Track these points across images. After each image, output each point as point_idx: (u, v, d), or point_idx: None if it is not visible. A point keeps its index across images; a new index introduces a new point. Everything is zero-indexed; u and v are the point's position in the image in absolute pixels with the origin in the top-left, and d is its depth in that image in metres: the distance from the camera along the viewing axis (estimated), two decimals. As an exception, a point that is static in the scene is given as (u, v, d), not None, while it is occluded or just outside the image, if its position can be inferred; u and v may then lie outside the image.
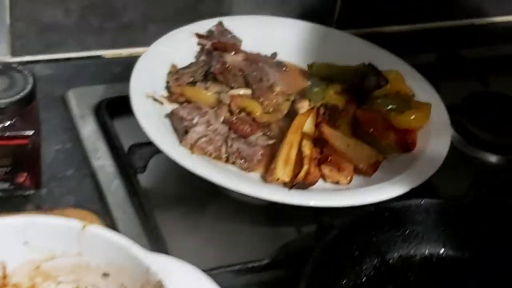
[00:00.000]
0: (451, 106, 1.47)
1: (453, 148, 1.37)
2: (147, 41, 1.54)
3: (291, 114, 1.33)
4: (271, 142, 1.28)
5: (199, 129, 1.21)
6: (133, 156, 1.27)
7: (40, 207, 1.21)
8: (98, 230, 0.91)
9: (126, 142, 1.32)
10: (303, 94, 1.37)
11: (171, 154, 1.17)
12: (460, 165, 1.42)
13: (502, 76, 1.69)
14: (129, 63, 1.42)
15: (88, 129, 1.37)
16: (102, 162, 1.31)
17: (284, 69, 1.45)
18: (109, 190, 1.26)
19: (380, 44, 1.61)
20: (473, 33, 1.91)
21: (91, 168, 1.30)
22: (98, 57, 1.59)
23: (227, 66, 1.30)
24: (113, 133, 1.34)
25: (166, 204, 1.28)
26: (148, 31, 1.59)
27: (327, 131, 1.23)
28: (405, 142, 1.30)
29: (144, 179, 1.28)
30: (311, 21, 1.65)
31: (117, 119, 1.40)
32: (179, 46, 1.43)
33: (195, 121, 1.22)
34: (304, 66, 1.48)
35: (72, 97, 1.45)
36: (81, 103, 1.44)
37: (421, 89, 1.43)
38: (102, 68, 1.56)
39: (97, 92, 1.46)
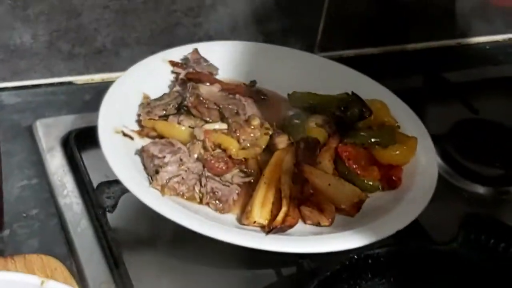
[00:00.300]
0: (438, 134, 1.40)
1: (440, 178, 1.30)
2: (120, 66, 1.48)
3: (270, 149, 1.25)
4: (248, 179, 1.21)
5: (171, 168, 1.14)
6: (102, 194, 1.19)
7: (1, 252, 1.13)
8: (57, 287, 0.88)
9: (96, 177, 1.24)
10: (282, 127, 1.29)
11: (140, 195, 1.10)
12: (448, 197, 1.36)
13: (490, 100, 1.62)
14: (101, 89, 1.36)
15: (56, 163, 1.29)
16: (69, 200, 1.23)
17: (262, 97, 1.37)
18: (76, 232, 1.18)
19: (363, 66, 1.55)
20: (458, 53, 1.84)
21: (58, 206, 1.23)
22: (69, 83, 1.51)
23: (201, 98, 1.22)
24: (81, 168, 1.27)
25: (136, 246, 1.21)
26: (121, 55, 1.52)
27: (307, 169, 1.16)
28: (390, 179, 1.24)
29: (113, 217, 1.20)
30: (293, 44, 1.58)
31: (88, 150, 1.33)
32: (152, 74, 1.36)
33: (166, 159, 1.15)
34: (284, 93, 1.39)
35: (40, 127, 1.37)
36: (49, 134, 1.36)
37: (407, 120, 1.36)
38: (72, 95, 1.49)
39: (66, 122, 1.39)
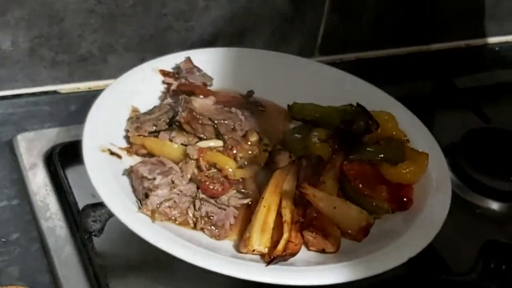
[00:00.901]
0: (448, 146, 1.30)
1: (452, 194, 1.20)
2: (108, 74, 1.40)
3: (270, 166, 1.15)
4: (246, 201, 1.11)
5: (162, 192, 1.05)
6: (88, 217, 1.09)
7: (-23, 284, 1.03)
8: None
9: (82, 196, 1.15)
10: (282, 143, 1.20)
11: (128, 222, 1.01)
12: (460, 214, 1.26)
13: (503, 106, 1.53)
14: (88, 98, 1.27)
15: (38, 182, 1.20)
16: (53, 223, 1.14)
17: (261, 109, 1.27)
18: (59, 258, 1.09)
19: (366, 71, 1.47)
20: (467, 56, 1.74)
21: (40, 230, 1.13)
22: (53, 92, 1.41)
23: (194, 113, 1.12)
24: (65, 187, 1.18)
25: (124, 272, 1.12)
26: (108, 62, 1.43)
27: (310, 191, 1.06)
28: (400, 200, 1.14)
29: (100, 242, 1.11)
30: (293, 48, 1.50)
31: (74, 166, 1.23)
32: (141, 85, 1.26)
33: (157, 181, 1.05)
34: (284, 104, 1.29)
35: (21, 142, 1.27)
36: (31, 149, 1.27)
37: (416, 133, 1.27)
38: (57, 106, 1.39)
39: (50, 136, 1.30)
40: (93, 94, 1.27)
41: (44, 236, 1.12)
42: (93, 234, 1.10)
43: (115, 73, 1.34)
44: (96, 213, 1.11)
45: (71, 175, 1.22)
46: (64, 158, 1.23)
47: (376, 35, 1.64)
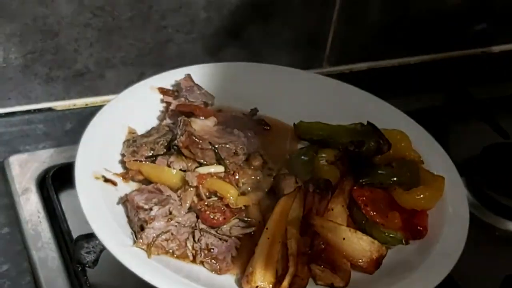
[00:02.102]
0: (465, 163, 1.23)
1: (470, 215, 1.12)
2: (105, 89, 1.34)
3: (275, 192, 1.08)
4: (249, 230, 1.04)
5: (158, 224, 0.98)
6: (81, 249, 1.03)
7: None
8: None
9: (77, 224, 1.09)
10: (288, 166, 1.12)
11: (122, 257, 0.94)
12: (479, 237, 1.18)
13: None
14: (85, 115, 1.22)
15: (30, 209, 1.14)
16: (45, 253, 1.08)
17: (265, 128, 1.19)
18: (52, 296, 0.99)
19: (377, 82, 1.43)
20: (483, 64, 1.65)
21: (31, 261, 1.08)
22: (48, 110, 1.34)
23: (194, 137, 1.05)
24: (58, 214, 1.12)
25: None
26: (106, 77, 1.37)
27: (318, 222, 1.00)
28: (414, 228, 1.07)
29: (94, 273, 1.05)
30: (300, 59, 1.44)
31: (68, 190, 1.17)
32: (139, 105, 1.20)
33: (153, 212, 0.98)
34: (290, 121, 1.22)
35: (14, 165, 1.22)
36: (23, 173, 1.21)
37: (431, 153, 1.20)
38: (52, 124, 1.32)
39: (44, 158, 1.24)
40: (90, 111, 1.21)
41: (35, 267, 1.07)
42: (87, 266, 1.04)
43: (113, 89, 1.28)
44: (90, 244, 1.06)
45: (66, 199, 1.16)
46: (59, 181, 1.18)
47: (387, 44, 1.56)
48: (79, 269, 1.04)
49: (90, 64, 1.32)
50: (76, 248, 1.04)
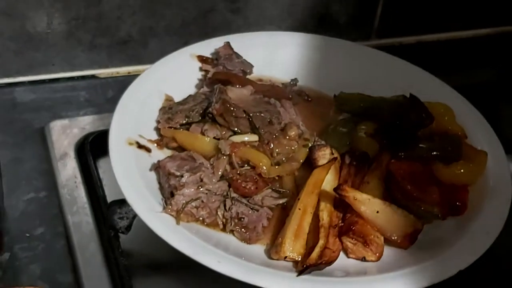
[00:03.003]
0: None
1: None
2: (148, 58, 1.32)
3: (310, 163, 1.05)
4: (282, 201, 1.02)
5: (188, 191, 0.96)
6: (114, 214, 1.02)
7: (-4, 281, 0.98)
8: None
9: (113, 190, 1.08)
10: (325, 137, 1.09)
11: (151, 223, 0.93)
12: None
13: None
14: (127, 83, 1.19)
15: (67, 174, 1.14)
16: (79, 218, 1.08)
17: (306, 99, 1.17)
18: (83, 257, 1.03)
19: (426, 56, 1.38)
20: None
21: (66, 225, 1.08)
22: (91, 77, 1.34)
23: (228, 105, 1.03)
24: (95, 179, 1.12)
25: (150, 274, 1.06)
26: (149, 46, 1.36)
27: (351, 193, 0.96)
28: (452, 204, 1.03)
29: (127, 239, 1.05)
30: (348, 31, 1.41)
31: (106, 157, 1.14)
32: (177, 72, 1.18)
33: (184, 179, 0.97)
34: (331, 93, 1.19)
35: (54, 130, 1.22)
36: (62, 138, 1.21)
37: (475, 128, 1.15)
38: (94, 91, 1.33)
39: (84, 124, 1.24)
40: (133, 80, 1.19)
41: (69, 232, 1.06)
42: (120, 231, 1.04)
43: (156, 58, 1.26)
44: (122, 210, 1.06)
45: (103, 165, 1.17)
46: (97, 147, 1.17)
47: (439, 16, 1.50)
48: (112, 235, 1.02)
49: (133, 32, 1.32)
50: (109, 213, 1.03)
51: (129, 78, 1.25)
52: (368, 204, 0.97)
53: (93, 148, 1.16)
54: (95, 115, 1.25)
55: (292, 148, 1.06)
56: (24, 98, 1.29)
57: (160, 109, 1.11)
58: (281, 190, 1.03)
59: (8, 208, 1.06)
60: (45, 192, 1.12)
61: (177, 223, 0.95)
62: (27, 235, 1.06)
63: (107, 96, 1.30)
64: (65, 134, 1.20)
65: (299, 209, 0.97)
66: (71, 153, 1.17)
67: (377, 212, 0.97)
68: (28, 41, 1.26)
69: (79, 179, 1.13)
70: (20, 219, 1.08)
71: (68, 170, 1.14)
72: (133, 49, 1.33)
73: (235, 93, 1.08)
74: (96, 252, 1.03)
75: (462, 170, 1.04)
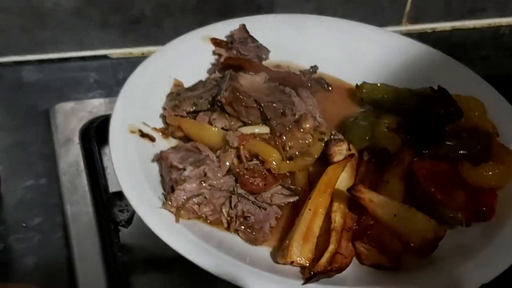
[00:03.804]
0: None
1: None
2: (162, 38, 1.23)
3: (326, 159, 0.97)
4: (293, 199, 0.93)
5: (190, 186, 0.89)
6: (113, 207, 0.95)
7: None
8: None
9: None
10: (344, 131, 1.01)
11: (148, 219, 0.86)
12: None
13: None
14: (139, 64, 1.11)
15: (69, 160, 1.08)
16: (78, 208, 1.01)
17: (326, 87, 1.08)
18: (81, 249, 0.96)
19: (460, 44, 1.32)
20: None
21: (65, 215, 1.01)
22: (103, 57, 1.27)
23: (238, 94, 0.95)
24: (98, 167, 1.05)
25: (147, 270, 1.00)
26: (163, 26, 1.29)
27: (366, 195, 0.88)
28: (479, 208, 0.94)
29: (127, 233, 1.00)
30: (377, 14, 1.33)
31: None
32: (189, 55, 1.11)
33: (186, 172, 0.90)
34: (354, 82, 1.10)
35: (59, 113, 1.16)
36: (68, 122, 1.15)
37: (509, 125, 1.06)
38: (105, 72, 1.26)
39: (91, 107, 1.17)
40: (145, 61, 1.11)
41: (67, 222, 1.00)
42: (120, 224, 0.97)
43: (171, 38, 1.18)
44: (123, 202, 0.99)
45: (109, 153, 1.07)
46: (103, 133, 1.09)
47: (478, 1, 1.40)
48: (112, 228, 0.95)
49: (147, 11, 1.25)
50: (109, 205, 0.96)
51: (143, 60, 1.17)
52: (385, 207, 0.89)
53: (99, 133, 1.10)
54: (104, 98, 1.19)
55: (307, 141, 0.98)
56: (31, 78, 1.23)
57: (168, 95, 1.03)
58: (293, 187, 0.96)
59: (6, 195, 1.02)
60: (45, 179, 1.07)
61: (177, 220, 0.88)
62: (24, 225, 1.01)
63: (118, 78, 1.24)
64: (71, 117, 1.15)
65: (310, 209, 0.90)
66: (75, 138, 1.11)
67: (395, 215, 0.89)
68: (35, 18, 1.21)
69: (81, 166, 1.07)
70: (18, 207, 1.03)
71: (70, 157, 1.08)
72: (147, 28, 1.26)
73: (247, 80, 1.00)
74: (94, 246, 0.97)
75: (491, 172, 0.96)
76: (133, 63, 1.24)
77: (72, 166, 1.07)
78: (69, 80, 1.23)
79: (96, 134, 1.09)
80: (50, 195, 1.05)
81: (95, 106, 1.17)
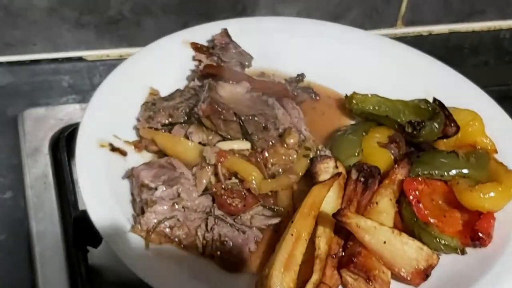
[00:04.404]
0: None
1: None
2: (142, 40, 1.16)
3: (311, 177, 0.90)
4: (274, 221, 0.86)
5: (161, 208, 0.82)
6: (82, 226, 0.88)
7: None
8: None
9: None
10: (331, 145, 0.94)
11: (114, 244, 0.78)
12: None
13: None
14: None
15: (37, 172, 1.01)
16: (44, 226, 0.95)
17: (314, 97, 1.01)
18: (45, 273, 0.90)
19: (458, 48, 1.26)
20: None
21: (30, 234, 0.94)
22: (78, 59, 1.20)
23: (216, 106, 0.87)
24: (67, 182, 0.98)
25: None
26: (143, 26, 1.22)
27: (353, 219, 0.80)
28: (475, 234, 0.87)
29: (98, 253, 0.92)
30: (371, 17, 1.27)
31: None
32: (166, 61, 1.03)
33: (158, 193, 0.82)
34: (343, 92, 1.03)
35: (28, 120, 1.08)
36: (37, 130, 1.08)
37: (509, 142, 0.96)
38: (79, 76, 1.20)
39: (62, 114, 1.09)
40: (123, 64, 1.04)
41: (32, 242, 0.93)
42: (88, 245, 0.88)
43: (151, 40, 1.11)
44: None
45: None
46: (74, 142, 1.01)
47: (476, 3, 1.32)
48: (79, 249, 0.88)
49: (125, 10, 1.18)
50: (76, 224, 0.88)
51: (120, 62, 1.10)
52: (374, 233, 0.82)
53: (70, 143, 1.02)
54: (77, 104, 1.11)
55: (290, 158, 0.90)
56: (0, 81, 1.16)
57: (142, 105, 0.95)
58: (275, 207, 0.88)
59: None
60: (11, 193, 1.02)
61: (146, 246, 0.81)
62: (-15, 243, 0.92)
63: (93, 82, 1.18)
64: (40, 125, 1.09)
65: (292, 234, 0.83)
66: (44, 148, 1.04)
67: (384, 242, 0.83)
68: (6, 17, 1.13)
69: (49, 179, 1.00)
70: (-20, 223, 0.94)
71: (38, 168, 1.03)
72: (125, 29, 1.20)
73: (228, 90, 0.92)
74: (59, 268, 0.92)
75: (489, 194, 0.89)
76: (110, 66, 1.18)
77: (40, 179, 1.01)
78: (41, 83, 1.17)
79: (67, 144, 1.02)
80: (15, 210, 0.99)
81: (67, 112, 1.11)
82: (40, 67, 1.20)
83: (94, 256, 0.93)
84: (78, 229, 0.91)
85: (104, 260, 0.93)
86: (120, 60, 1.21)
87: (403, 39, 1.20)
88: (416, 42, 1.20)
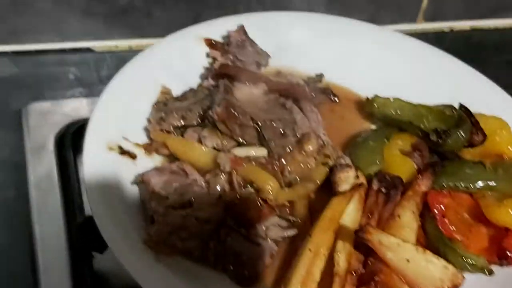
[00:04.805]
0: None
1: None
2: (152, 31, 1.15)
3: (330, 186, 0.85)
4: (291, 233, 0.81)
5: (173, 218, 0.75)
6: (88, 231, 0.83)
7: None
8: None
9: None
10: (351, 152, 0.89)
11: (122, 256, 0.74)
12: None
13: None
14: (126, 60, 0.99)
15: (42, 170, 0.97)
16: (49, 229, 0.92)
17: (333, 99, 0.96)
18: (48, 280, 0.86)
19: (482, 45, 1.21)
20: None
21: (32, 237, 0.90)
22: (85, 50, 1.15)
23: (233, 110, 0.82)
24: (73, 181, 0.93)
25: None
26: (153, 16, 1.17)
27: (376, 236, 0.76)
28: (502, 251, 0.82)
29: (103, 258, 0.89)
30: (392, 12, 1.22)
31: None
32: (179, 58, 0.98)
33: (170, 200, 0.77)
34: (365, 93, 0.98)
35: (32, 115, 1.04)
36: (42, 125, 1.04)
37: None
38: (87, 67, 1.15)
39: (69, 109, 1.05)
40: (133, 56, 0.99)
41: (35, 247, 0.89)
42: (94, 251, 0.84)
43: (162, 31, 1.07)
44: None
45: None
46: (81, 140, 0.96)
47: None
48: (84, 255, 0.84)
49: (135, 0, 1.13)
50: (81, 229, 0.84)
51: (130, 54, 1.07)
52: (397, 250, 0.78)
53: (76, 140, 0.98)
54: (84, 98, 1.07)
55: (309, 165, 0.85)
56: (3, 71, 1.11)
57: (154, 105, 0.90)
58: (292, 218, 0.83)
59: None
60: (13, 192, 0.97)
61: (156, 258, 0.76)
62: (-15, 249, 0.88)
63: (101, 74, 1.14)
64: (45, 120, 1.05)
65: (310, 249, 0.78)
66: (49, 145, 1.00)
67: (407, 260, 0.78)
68: (11, 4, 1.08)
69: (55, 179, 0.96)
70: (-21, 224, 0.91)
71: (43, 167, 0.99)
72: (135, 19, 1.16)
73: (244, 92, 0.87)
74: (63, 274, 0.88)
75: (517, 212, 0.83)
76: (119, 57, 1.15)
77: (44, 178, 0.97)
78: (46, 75, 1.13)
79: (73, 141, 0.98)
80: (18, 212, 0.95)
81: (73, 107, 1.06)
82: (45, 58, 1.16)
83: (100, 261, 0.88)
84: (83, 234, 0.87)
85: (110, 265, 0.89)
86: (129, 51, 1.17)
87: (423, 35, 1.15)
88: (436, 38, 1.15)
